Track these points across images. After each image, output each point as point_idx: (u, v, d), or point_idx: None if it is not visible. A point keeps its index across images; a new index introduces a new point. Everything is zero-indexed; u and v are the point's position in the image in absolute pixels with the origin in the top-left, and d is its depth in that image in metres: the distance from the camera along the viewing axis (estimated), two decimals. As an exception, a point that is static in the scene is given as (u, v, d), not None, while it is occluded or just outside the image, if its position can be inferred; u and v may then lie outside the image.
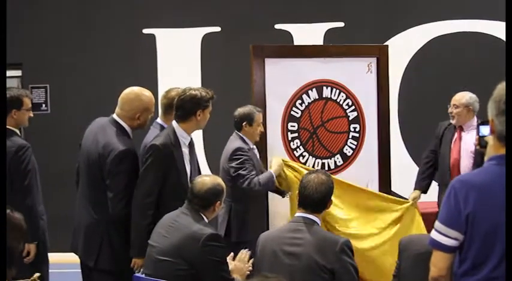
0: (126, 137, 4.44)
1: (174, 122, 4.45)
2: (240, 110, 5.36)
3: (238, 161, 5.16)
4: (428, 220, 5.55)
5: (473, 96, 5.88)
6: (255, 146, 5.41)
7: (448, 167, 5.84)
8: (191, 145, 4.54)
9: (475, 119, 5.86)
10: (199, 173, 4.66)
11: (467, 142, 5.82)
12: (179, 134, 4.40)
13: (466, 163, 5.80)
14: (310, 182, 3.83)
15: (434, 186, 6.13)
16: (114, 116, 4.51)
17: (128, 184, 4.31)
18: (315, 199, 3.79)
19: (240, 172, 5.12)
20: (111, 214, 4.31)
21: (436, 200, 6.08)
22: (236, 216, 5.23)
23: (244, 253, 4.07)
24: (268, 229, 5.19)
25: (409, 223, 5.39)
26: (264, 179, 5.15)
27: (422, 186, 5.89)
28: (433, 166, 6.03)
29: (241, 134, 5.34)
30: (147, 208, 4.25)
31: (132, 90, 4.53)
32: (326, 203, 3.86)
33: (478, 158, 5.60)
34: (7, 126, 4.76)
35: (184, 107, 4.40)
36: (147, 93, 4.56)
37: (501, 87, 2.53)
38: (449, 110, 5.90)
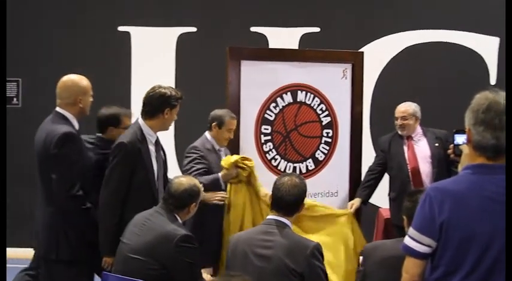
0: (68, 122, 4.42)
1: (140, 119, 4.49)
2: (215, 111, 5.41)
3: (188, 160, 5.23)
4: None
5: (416, 104, 6.06)
6: (222, 149, 5.42)
7: (407, 176, 5.89)
8: (157, 143, 4.56)
9: (419, 126, 6.02)
10: (166, 171, 4.70)
11: (422, 149, 5.94)
12: (145, 132, 4.44)
13: (425, 169, 5.87)
14: (284, 185, 3.85)
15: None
16: (57, 108, 4.50)
17: (72, 166, 4.28)
18: (287, 201, 3.80)
19: (183, 170, 5.16)
20: (57, 199, 4.27)
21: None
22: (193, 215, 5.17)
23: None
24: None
25: (346, 229, 5.46)
26: (205, 180, 5.05)
27: (362, 195, 5.87)
28: (376, 178, 6.03)
29: (209, 135, 5.38)
30: (114, 207, 4.27)
31: (69, 78, 4.56)
32: (298, 206, 3.87)
33: (435, 162, 5.80)
34: (103, 136, 4.96)
35: (152, 103, 4.45)
36: (84, 79, 4.57)
37: (479, 97, 2.55)
38: (398, 122, 5.99)
